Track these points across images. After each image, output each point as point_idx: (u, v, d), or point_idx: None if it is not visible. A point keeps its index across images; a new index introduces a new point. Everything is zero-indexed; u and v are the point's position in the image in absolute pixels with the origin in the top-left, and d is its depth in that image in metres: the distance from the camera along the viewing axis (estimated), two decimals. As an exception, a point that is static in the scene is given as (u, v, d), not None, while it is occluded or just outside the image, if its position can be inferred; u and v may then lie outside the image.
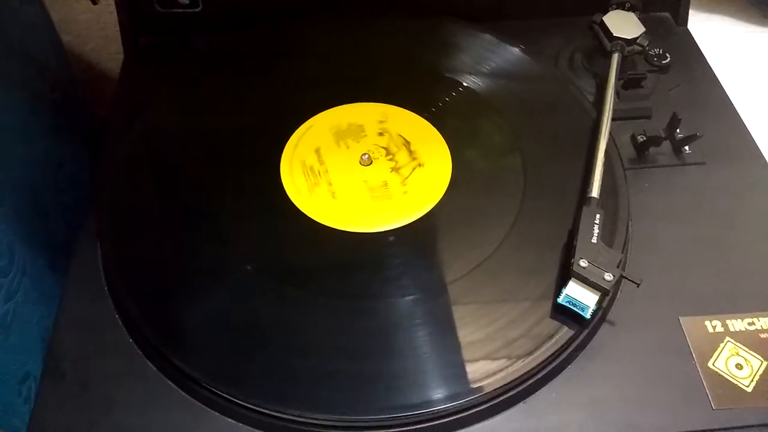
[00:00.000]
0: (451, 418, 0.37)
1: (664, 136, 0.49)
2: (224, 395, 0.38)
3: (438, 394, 0.37)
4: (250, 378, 0.38)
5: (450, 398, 0.37)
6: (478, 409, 0.37)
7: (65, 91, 0.64)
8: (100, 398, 0.39)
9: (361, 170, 0.48)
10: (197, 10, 0.58)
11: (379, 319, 0.40)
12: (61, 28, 0.69)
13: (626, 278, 0.40)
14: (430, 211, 0.45)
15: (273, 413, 0.37)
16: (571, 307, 0.39)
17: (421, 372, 0.38)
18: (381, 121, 0.51)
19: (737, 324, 0.41)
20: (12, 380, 0.48)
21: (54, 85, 0.61)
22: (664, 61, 0.55)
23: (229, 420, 0.38)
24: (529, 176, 0.47)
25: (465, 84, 0.53)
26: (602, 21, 0.52)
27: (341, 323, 0.40)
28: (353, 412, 0.37)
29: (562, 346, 0.39)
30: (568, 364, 0.40)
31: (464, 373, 0.38)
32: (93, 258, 0.44)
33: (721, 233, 0.46)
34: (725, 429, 0.38)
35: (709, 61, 0.57)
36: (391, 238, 0.44)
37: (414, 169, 0.48)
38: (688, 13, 0.61)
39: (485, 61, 0.54)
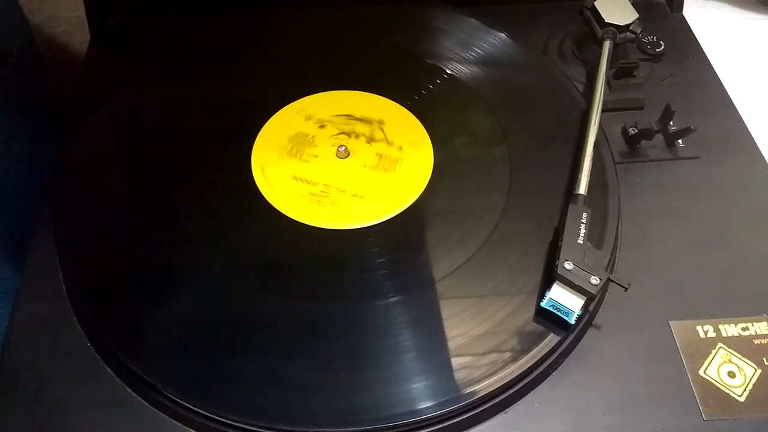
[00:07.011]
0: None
1: (656, 128, 0.47)
2: (184, 403, 0.35)
3: (410, 406, 0.35)
4: (213, 386, 0.36)
5: (422, 410, 0.34)
6: (454, 420, 0.35)
7: (31, 76, 0.61)
8: (53, 402, 0.37)
9: (338, 163, 0.46)
10: (167, -10, 0.56)
11: (351, 324, 0.38)
12: (31, 9, 0.66)
13: (614, 282, 0.38)
14: (409, 207, 0.43)
15: (236, 424, 0.35)
16: (555, 311, 0.37)
17: (390, 382, 0.36)
18: (360, 111, 0.48)
19: (730, 329, 0.39)
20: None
21: (18, 70, 0.58)
22: (657, 50, 0.53)
23: (190, 430, 0.36)
24: (515, 169, 0.45)
25: (448, 71, 0.50)
26: (593, 6, 0.50)
27: (313, 327, 0.38)
28: (318, 424, 0.35)
29: (545, 354, 0.37)
30: (552, 372, 0.38)
31: (438, 383, 0.36)
32: (51, 256, 0.42)
33: (715, 232, 0.44)
34: (716, 441, 0.36)
35: (704, 50, 0.55)
36: (368, 236, 0.42)
37: (393, 162, 0.46)
38: (683, -1, 0.58)
39: (470, 48, 0.51)
